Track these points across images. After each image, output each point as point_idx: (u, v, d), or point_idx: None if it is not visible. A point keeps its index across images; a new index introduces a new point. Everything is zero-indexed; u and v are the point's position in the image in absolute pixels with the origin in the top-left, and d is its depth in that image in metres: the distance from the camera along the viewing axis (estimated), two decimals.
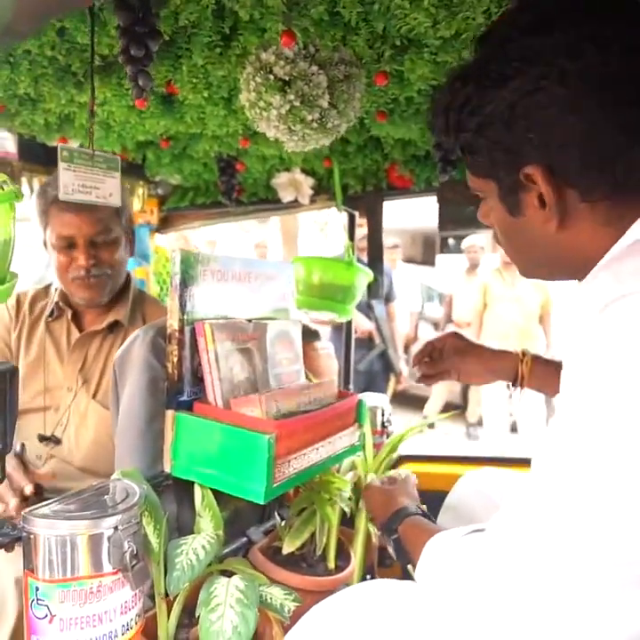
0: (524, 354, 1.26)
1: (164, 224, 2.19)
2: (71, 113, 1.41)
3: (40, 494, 1.38)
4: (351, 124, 1.19)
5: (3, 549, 0.85)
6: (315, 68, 1.07)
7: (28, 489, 1.30)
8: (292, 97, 1.08)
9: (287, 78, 1.08)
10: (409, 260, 6.47)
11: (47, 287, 1.64)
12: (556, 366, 1.17)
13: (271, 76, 1.08)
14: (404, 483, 1.22)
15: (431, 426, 5.32)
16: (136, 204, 2.05)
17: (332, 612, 0.82)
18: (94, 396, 1.51)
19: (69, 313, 1.57)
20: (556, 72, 0.66)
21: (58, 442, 1.50)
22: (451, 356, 1.34)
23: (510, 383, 1.28)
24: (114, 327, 1.56)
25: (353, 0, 0.93)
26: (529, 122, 0.70)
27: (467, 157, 0.80)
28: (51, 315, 1.57)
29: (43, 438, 1.49)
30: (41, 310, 1.59)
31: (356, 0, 0.93)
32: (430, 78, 1.19)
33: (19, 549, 0.84)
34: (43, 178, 1.71)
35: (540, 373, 1.22)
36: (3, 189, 0.78)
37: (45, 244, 1.52)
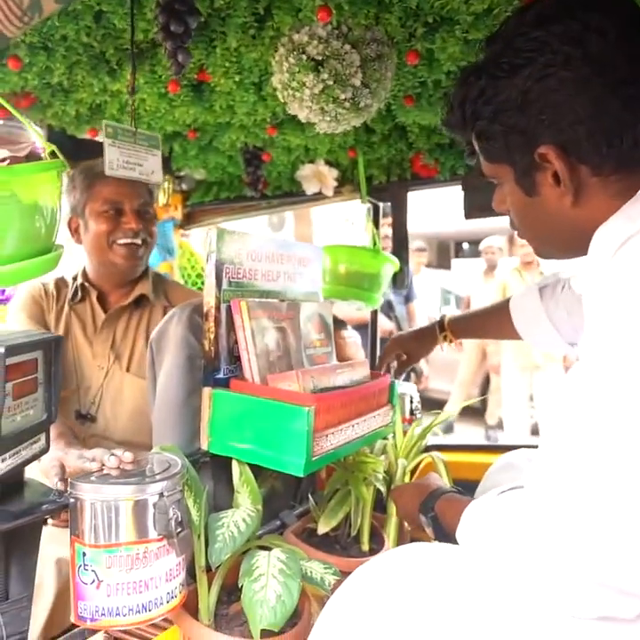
0: (441, 319, 1.53)
1: (189, 219, 2.21)
2: (102, 103, 1.44)
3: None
4: (382, 104, 1.20)
5: (51, 517, 0.85)
6: (347, 46, 1.09)
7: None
8: (325, 76, 1.10)
9: (320, 58, 1.10)
10: (426, 265, 6.48)
11: (61, 277, 1.68)
12: (473, 315, 1.54)
13: (304, 56, 1.10)
14: (428, 476, 1.22)
15: (450, 429, 5.27)
16: (161, 199, 2.08)
17: (376, 574, 0.82)
18: (128, 370, 1.55)
19: (94, 294, 1.61)
20: (562, 58, 0.73)
21: (94, 420, 1.53)
22: (395, 351, 1.66)
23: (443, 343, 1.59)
24: (139, 302, 1.61)
25: None
26: (541, 105, 0.76)
27: (482, 145, 0.85)
28: (73, 298, 1.61)
29: (79, 415, 1.52)
30: (65, 296, 1.63)
31: None
32: (460, 58, 1.20)
33: (62, 531, 0.85)
34: (71, 171, 1.74)
35: (462, 326, 1.55)
36: (49, 159, 0.80)
37: (73, 230, 1.55)
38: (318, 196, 1.96)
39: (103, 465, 0.88)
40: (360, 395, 1.18)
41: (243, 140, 1.69)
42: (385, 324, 3.63)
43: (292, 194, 2.04)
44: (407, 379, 3.96)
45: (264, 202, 2.08)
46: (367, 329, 2.21)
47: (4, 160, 0.71)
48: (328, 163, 1.88)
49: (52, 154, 0.80)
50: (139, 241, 1.53)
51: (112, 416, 1.53)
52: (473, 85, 0.81)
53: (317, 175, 1.89)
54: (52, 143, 1.69)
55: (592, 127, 0.75)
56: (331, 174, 1.88)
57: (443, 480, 1.21)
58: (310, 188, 1.91)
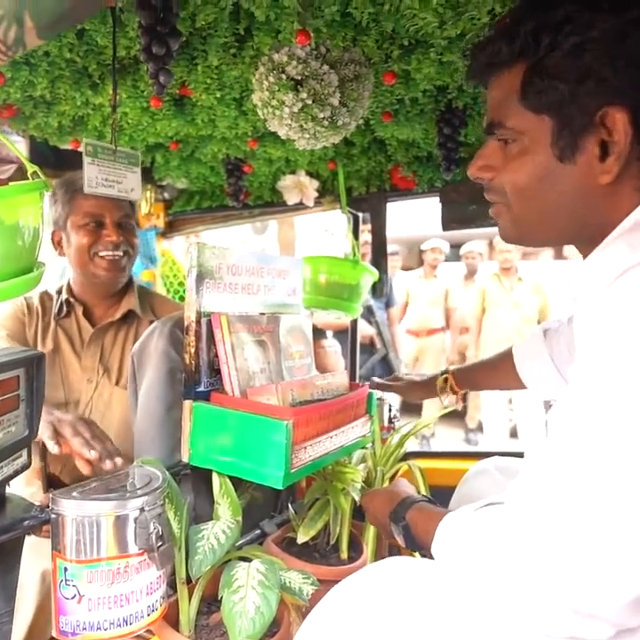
0: (445, 371, 1.40)
1: (171, 228, 2.22)
2: (85, 115, 1.44)
3: (60, 485, 1.42)
4: (359, 122, 1.23)
5: (31, 532, 0.86)
6: (326, 67, 1.11)
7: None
8: (304, 95, 1.12)
9: (299, 77, 1.12)
10: (406, 269, 6.52)
11: (46, 291, 1.68)
12: (478, 365, 1.33)
13: (284, 76, 1.12)
14: (398, 482, 1.22)
15: (431, 434, 5.32)
16: (143, 208, 2.09)
17: (352, 591, 0.82)
18: (117, 383, 1.57)
19: (79, 309, 1.62)
20: None
21: None
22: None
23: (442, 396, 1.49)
24: (127, 317, 1.62)
25: (364, 1, 0.97)
26: (635, 57, 0.67)
27: (535, 86, 0.74)
28: (59, 313, 1.62)
29: None
30: (50, 310, 1.63)
31: (367, 0, 0.97)
32: (435, 78, 1.23)
33: (46, 542, 0.86)
34: (53, 181, 1.75)
35: (465, 376, 1.41)
36: (33, 180, 0.81)
37: (56, 242, 1.56)
38: (299, 206, 1.98)
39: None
40: (338, 407, 1.20)
41: (224, 152, 1.71)
42: (366, 329, 3.66)
43: (273, 204, 2.06)
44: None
45: (246, 211, 2.09)
46: (347, 335, 2.24)
47: None
48: (309, 174, 1.90)
49: (34, 174, 0.81)
50: (120, 253, 1.55)
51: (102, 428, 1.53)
52: (554, 11, 0.70)
53: (298, 186, 1.91)
54: (34, 154, 1.70)
55: None
56: (311, 185, 1.90)
57: (412, 487, 1.19)
58: (291, 199, 1.93)
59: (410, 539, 1.00)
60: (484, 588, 0.71)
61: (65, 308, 1.61)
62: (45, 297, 1.66)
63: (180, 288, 2.24)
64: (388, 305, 4.21)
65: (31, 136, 1.60)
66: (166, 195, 2.18)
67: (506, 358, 1.42)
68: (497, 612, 0.70)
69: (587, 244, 0.78)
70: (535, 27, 0.72)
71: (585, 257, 0.81)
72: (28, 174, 0.82)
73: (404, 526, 1.01)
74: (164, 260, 2.24)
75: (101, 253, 1.53)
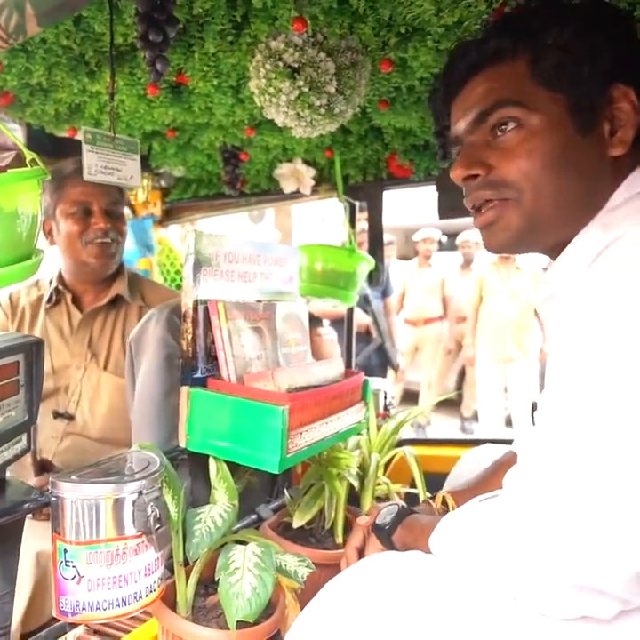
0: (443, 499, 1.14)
1: (168, 216, 2.23)
2: (82, 103, 1.45)
3: (50, 470, 1.44)
4: (356, 110, 1.23)
5: (31, 515, 0.88)
6: (323, 55, 1.12)
7: None
8: (300, 83, 1.12)
9: (296, 65, 1.12)
10: (403, 258, 6.52)
11: (36, 281, 1.70)
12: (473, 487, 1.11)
13: (280, 63, 1.12)
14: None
15: (427, 423, 5.36)
16: (140, 196, 2.10)
17: (347, 586, 0.81)
18: (105, 368, 1.58)
19: (69, 296, 1.64)
20: None
21: (71, 418, 1.56)
22: None
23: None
24: (115, 302, 1.64)
25: None
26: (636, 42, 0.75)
27: (553, 60, 0.78)
28: (49, 300, 1.63)
29: (57, 414, 1.55)
30: (38, 300, 1.66)
31: None
32: (432, 66, 1.23)
33: (40, 524, 0.88)
34: (49, 168, 1.76)
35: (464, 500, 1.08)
36: (31, 168, 0.82)
37: (46, 232, 1.57)
38: (296, 194, 1.99)
39: None
40: (334, 393, 1.21)
41: (221, 140, 1.71)
42: (362, 318, 3.67)
43: (269, 192, 2.07)
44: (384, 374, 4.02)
45: (242, 199, 2.10)
46: (341, 323, 2.25)
47: None
48: (305, 162, 1.90)
49: (33, 161, 0.82)
50: (109, 240, 1.57)
51: (90, 414, 1.56)
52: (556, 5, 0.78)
53: (295, 174, 1.91)
54: (31, 141, 1.70)
55: None
56: (308, 173, 1.91)
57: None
58: (288, 187, 1.93)
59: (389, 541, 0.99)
60: (489, 573, 0.71)
61: (54, 297, 1.63)
62: (32, 288, 1.69)
63: (177, 276, 2.25)
64: (384, 294, 4.22)
65: (28, 123, 1.60)
66: (163, 183, 2.18)
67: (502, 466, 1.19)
68: (501, 598, 0.70)
69: (569, 230, 0.80)
70: (547, 13, 0.78)
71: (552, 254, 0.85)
72: (27, 162, 0.83)
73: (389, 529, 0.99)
74: (160, 249, 2.25)
75: (91, 240, 1.55)
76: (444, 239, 6.73)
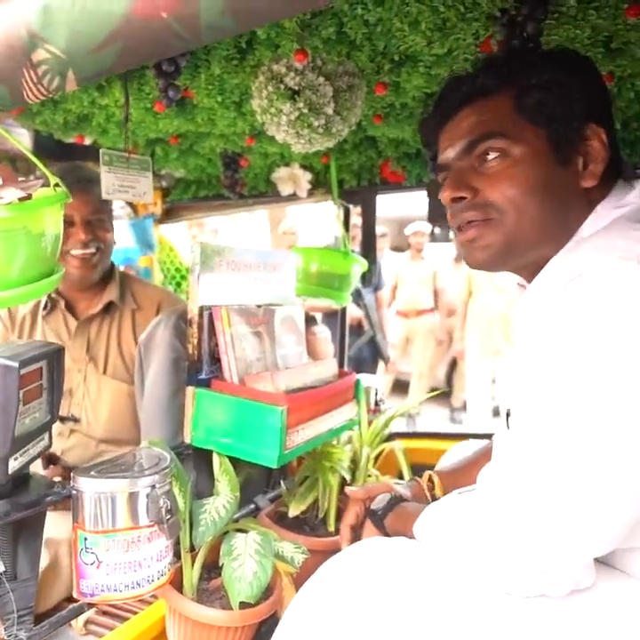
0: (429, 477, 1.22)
1: (168, 215, 2.29)
2: (90, 113, 1.51)
3: (57, 462, 1.53)
4: (352, 128, 1.31)
5: (53, 507, 0.97)
6: (322, 79, 1.19)
7: None
8: (300, 105, 1.20)
9: (296, 88, 1.19)
10: (396, 249, 6.58)
11: None
12: (457, 470, 1.22)
13: (282, 86, 1.20)
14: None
15: (417, 413, 5.47)
16: None
17: (339, 569, 0.90)
18: (105, 372, 1.65)
19: (62, 303, 1.69)
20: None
21: (76, 420, 1.63)
22: None
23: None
24: (108, 308, 1.70)
25: (358, 22, 1.05)
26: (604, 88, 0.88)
27: (536, 98, 0.87)
28: (45, 308, 1.70)
29: (62, 419, 1.61)
30: (36, 307, 1.72)
31: (361, 22, 1.05)
32: (424, 87, 1.31)
33: (50, 514, 0.97)
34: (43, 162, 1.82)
35: (448, 480, 1.20)
36: (55, 191, 0.90)
37: None
38: (292, 197, 2.06)
39: None
40: (328, 393, 1.31)
41: (222, 147, 1.78)
42: (354, 312, 3.75)
43: (266, 194, 2.14)
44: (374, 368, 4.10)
45: (240, 200, 2.17)
46: (336, 317, 2.34)
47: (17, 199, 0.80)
48: (302, 166, 1.98)
49: (56, 185, 0.90)
50: (91, 250, 1.60)
51: (94, 417, 1.63)
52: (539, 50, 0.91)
53: (292, 177, 1.98)
54: (38, 145, 1.76)
55: (613, 134, 0.88)
56: (305, 177, 1.98)
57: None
58: (285, 190, 2.01)
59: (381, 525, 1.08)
60: (463, 557, 0.82)
61: (49, 304, 1.69)
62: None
63: (177, 274, 2.32)
64: (376, 288, 4.31)
65: (35, 130, 1.66)
66: (164, 183, 2.25)
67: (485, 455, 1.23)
68: (472, 578, 0.80)
69: (547, 251, 0.89)
70: (525, 59, 0.88)
71: (523, 274, 0.95)
72: (51, 186, 0.90)
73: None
74: (161, 247, 2.32)
75: (73, 251, 1.58)
76: (437, 230, 6.79)
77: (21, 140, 1.73)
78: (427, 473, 1.21)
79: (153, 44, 0.52)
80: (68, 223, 1.57)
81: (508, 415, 0.93)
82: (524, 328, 0.90)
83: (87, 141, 1.71)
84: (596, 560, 0.78)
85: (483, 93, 0.92)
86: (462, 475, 1.15)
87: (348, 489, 1.21)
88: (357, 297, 3.80)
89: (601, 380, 0.70)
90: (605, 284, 0.73)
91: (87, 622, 1.35)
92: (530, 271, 0.94)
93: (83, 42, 0.55)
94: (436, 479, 1.19)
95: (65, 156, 1.77)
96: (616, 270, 0.73)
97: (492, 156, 0.89)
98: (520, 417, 0.81)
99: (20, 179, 1.30)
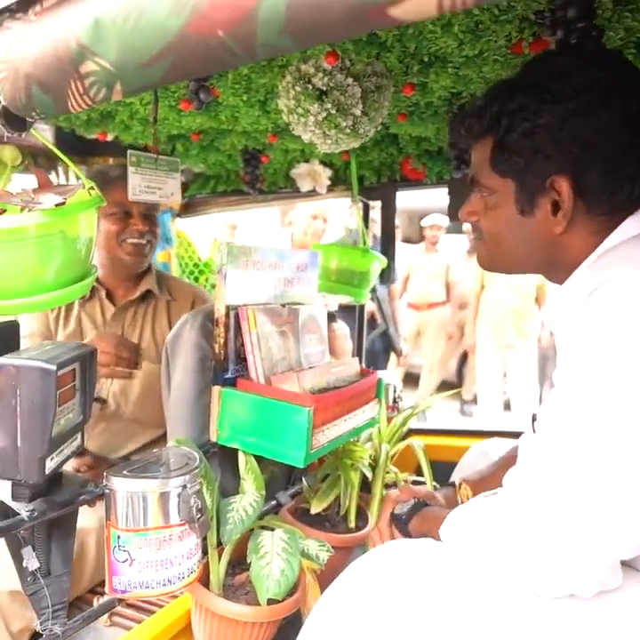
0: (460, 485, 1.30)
1: (186, 210, 2.30)
2: (113, 110, 1.51)
3: (83, 454, 1.56)
4: (378, 128, 1.31)
5: (87, 505, 0.98)
6: (350, 79, 1.19)
7: None
8: (328, 105, 1.20)
9: (324, 88, 1.19)
10: (406, 240, 6.56)
11: None
12: (487, 472, 1.27)
13: (310, 86, 1.20)
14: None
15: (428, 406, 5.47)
16: None
17: (367, 570, 0.91)
18: None
19: (103, 292, 1.76)
20: (607, 102, 0.82)
21: (104, 402, 1.68)
22: None
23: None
24: (145, 297, 1.77)
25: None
26: (574, 139, 0.84)
27: (498, 157, 0.92)
28: (82, 297, 1.72)
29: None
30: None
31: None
32: (451, 87, 1.31)
33: (100, 505, 0.99)
34: (82, 167, 1.84)
35: (480, 486, 1.23)
36: (90, 195, 0.90)
37: None
38: (311, 193, 2.06)
39: None
40: (352, 393, 1.32)
41: (243, 144, 1.78)
42: (367, 305, 3.75)
43: (286, 189, 2.14)
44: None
45: (259, 196, 2.17)
46: (351, 312, 2.35)
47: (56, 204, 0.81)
48: (322, 163, 1.98)
49: (91, 189, 0.90)
50: (144, 241, 1.68)
51: (123, 398, 1.68)
52: (511, 100, 0.88)
53: (312, 174, 1.98)
54: (60, 140, 1.77)
55: (607, 171, 0.85)
56: (325, 173, 1.98)
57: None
58: (305, 186, 2.01)
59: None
60: (491, 558, 0.84)
61: (88, 293, 1.72)
62: None
63: (195, 269, 2.33)
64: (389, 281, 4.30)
65: (57, 126, 1.67)
66: (183, 178, 2.25)
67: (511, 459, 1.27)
68: (500, 579, 0.82)
69: (553, 275, 0.97)
70: (497, 111, 0.90)
71: (553, 281, 0.99)
72: (86, 190, 0.91)
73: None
74: (179, 242, 2.33)
75: (128, 240, 1.66)
76: (447, 223, 6.76)
77: (45, 135, 1.73)
78: (460, 482, 1.27)
79: (205, 60, 0.52)
80: (126, 214, 1.65)
81: (533, 419, 0.95)
82: (558, 334, 0.92)
83: (109, 137, 1.71)
84: (626, 564, 0.80)
85: (474, 137, 0.98)
86: (491, 482, 1.17)
87: (391, 491, 1.25)
88: (371, 291, 3.81)
89: (625, 383, 0.72)
90: (626, 294, 0.75)
91: (112, 614, 1.37)
92: (557, 278, 0.96)
93: (133, 56, 0.56)
94: (467, 490, 1.24)
95: (86, 151, 1.78)
96: (636, 281, 0.75)
97: (483, 192, 0.98)
98: (546, 420, 0.83)
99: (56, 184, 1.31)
